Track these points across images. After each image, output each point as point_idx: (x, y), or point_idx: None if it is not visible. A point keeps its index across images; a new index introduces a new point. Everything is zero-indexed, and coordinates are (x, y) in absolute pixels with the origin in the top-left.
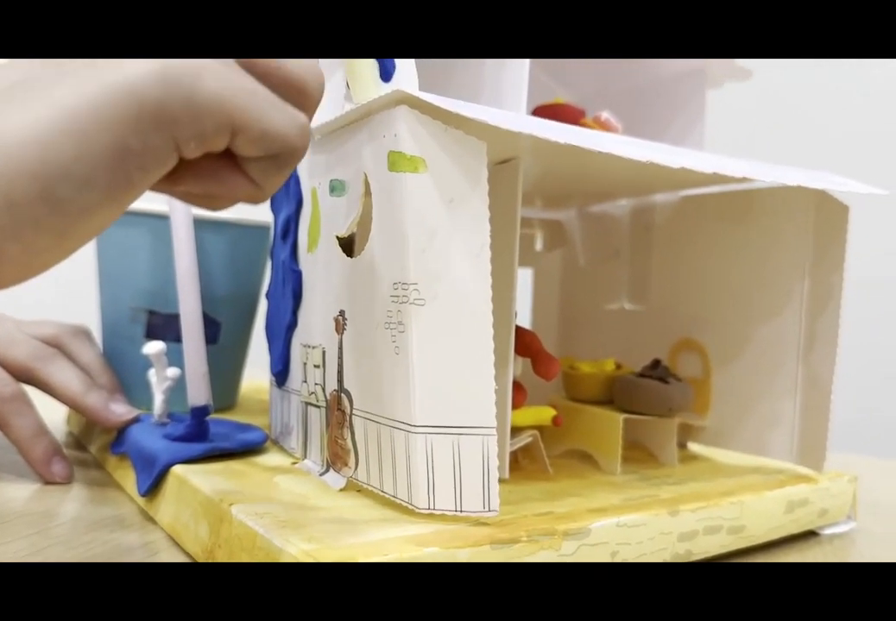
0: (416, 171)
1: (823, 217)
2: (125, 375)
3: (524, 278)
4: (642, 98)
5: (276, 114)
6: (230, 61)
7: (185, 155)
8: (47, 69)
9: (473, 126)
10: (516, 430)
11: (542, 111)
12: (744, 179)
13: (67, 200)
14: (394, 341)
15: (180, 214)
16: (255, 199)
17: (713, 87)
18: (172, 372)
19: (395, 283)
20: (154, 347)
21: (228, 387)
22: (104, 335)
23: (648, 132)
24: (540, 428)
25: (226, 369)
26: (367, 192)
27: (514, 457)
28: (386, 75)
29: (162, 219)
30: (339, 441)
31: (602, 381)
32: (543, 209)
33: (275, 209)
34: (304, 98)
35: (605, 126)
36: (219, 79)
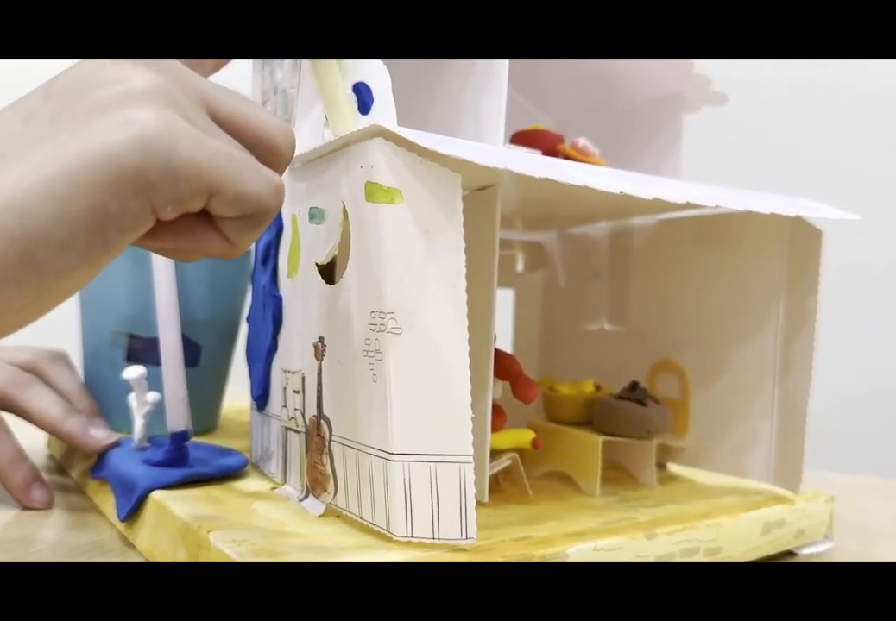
0: (393, 202)
1: (798, 241)
2: (106, 399)
3: (506, 299)
4: (621, 123)
5: (252, 176)
6: (206, 117)
7: (163, 217)
8: (28, 128)
9: (449, 158)
10: (496, 453)
11: (521, 137)
12: (717, 207)
13: (46, 262)
14: (371, 369)
15: None
16: (228, 255)
17: (690, 111)
18: (152, 397)
19: (372, 312)
20: (134, 372)
21: (209, 409)
22: (85, 359)
23: (627, 156)
24: (520, 450)
25: (207, 392)
26: (346, 221)
27: (495, 479)
28: (364, 108)
29: None
30: (319, 467)
31: (581, 403)
32: (525, 231)
33: None
34: (275, 157)
35: (582, 152)
36: (196, 144)
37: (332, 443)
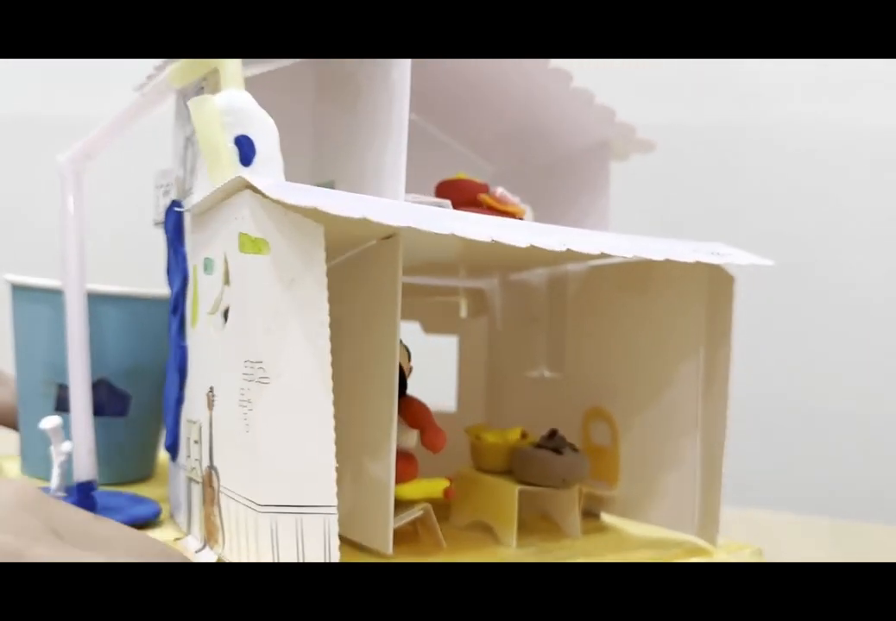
0: (260, 253)
1: (715, 287)
2: (39, 449)
3: (451, 346)
4: (553, 172)
5: None
6: None
7: None
8: None
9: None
10: (408, 503)
11: (444, 186)
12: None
13: None
14: (245, 419)
15: (73, 288)
16: None
17: (619, 159)
18: (68, 446)
19: (245, 361)
20: (50, 422)
21: (143, 457)
22: (20, 408)
23: (560, 206)
24: (447, 499)
25: (139, 441)
26: (227, 271)
27: (413, 529)
28: (245, 160)
29: None
30: (212, 517)
31: (505, 451)
32: (468, 278)
33: (170, 283)
34: None
35: (500, 201)
36: None
37: (220, 493)
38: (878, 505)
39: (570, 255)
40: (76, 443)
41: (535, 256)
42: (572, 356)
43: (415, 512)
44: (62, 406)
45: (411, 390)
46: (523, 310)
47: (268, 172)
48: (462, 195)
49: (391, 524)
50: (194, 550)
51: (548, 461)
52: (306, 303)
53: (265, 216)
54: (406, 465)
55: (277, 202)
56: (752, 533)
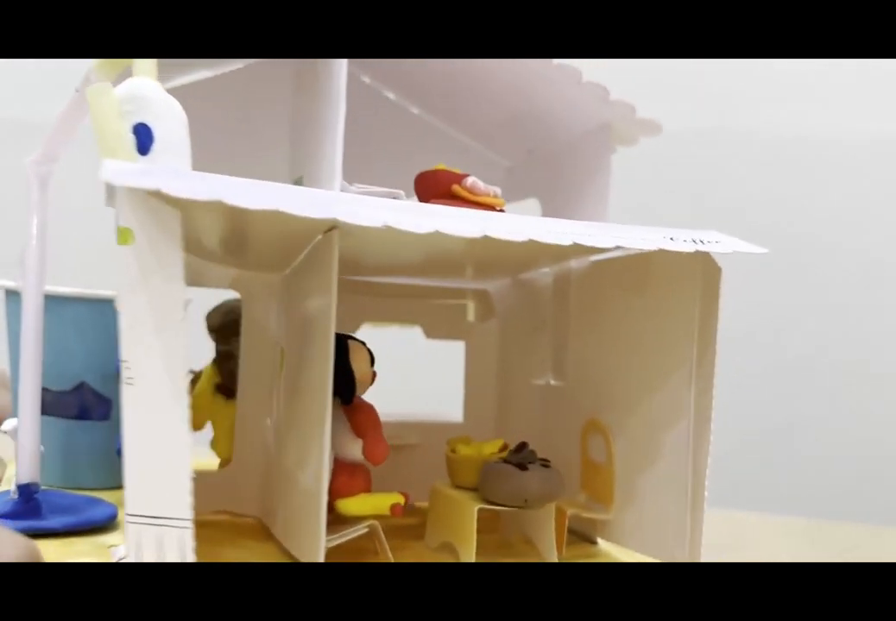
0: (127, 243)
1: (706, 280)
2: None
3: (458, 352)
4: (558, 159)
5: None
6: None
7: None
8: None
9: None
10: (355, 519)
11: (423, 177)
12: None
13: None
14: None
15: (30, 291)
16: None
17: (626, 144)
18: None
19: (122, 361)
20: (9, 424)
21: None
22: (14, 411)
23: (563, 195)
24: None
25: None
26: None
27: (373, 546)
28: (142, 148)
29: (53, 299)
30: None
31: (477, 466)
32: (475, 279)
33: None
34: None
35: (471, 190)
36: None
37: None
38: (856, 505)
39: (572, 251)
40: (20, 445)
41: (527, 254)
42: (574, 363)
43: (359, 530)
44: (45, 410)
45: (414, 399)
46: (530, 313)
47: (167, 160)
48: (438, 186)
49: (323, 538)
50: (118, 558)
51: (509, 478)
52: (163, 298)
53: (128, 204)
54: (350, 478)
55: (129, 187)
56: (728, 534)
